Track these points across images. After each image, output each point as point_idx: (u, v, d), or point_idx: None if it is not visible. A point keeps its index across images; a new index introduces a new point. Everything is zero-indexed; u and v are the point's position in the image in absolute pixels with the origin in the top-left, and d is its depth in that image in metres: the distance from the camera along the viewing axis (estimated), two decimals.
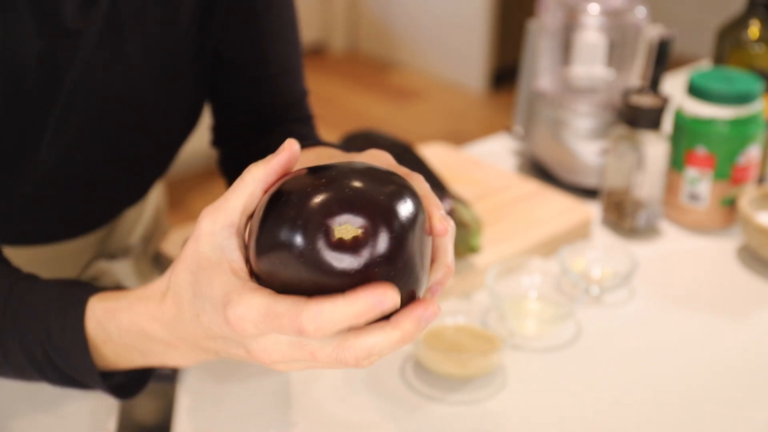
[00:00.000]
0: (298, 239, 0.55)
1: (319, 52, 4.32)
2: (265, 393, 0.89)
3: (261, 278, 0.58)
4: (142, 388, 0.75)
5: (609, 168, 1.17)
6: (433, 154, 1.29)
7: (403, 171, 0.64)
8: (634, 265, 1.05)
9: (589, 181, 1.24)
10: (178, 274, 0.62)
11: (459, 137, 3.35)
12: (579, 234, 1.14)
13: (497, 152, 1.37)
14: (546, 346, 0.97)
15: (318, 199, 0.55)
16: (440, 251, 0.62)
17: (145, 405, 0.86)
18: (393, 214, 0.55)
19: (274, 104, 0.95)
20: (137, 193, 0.99)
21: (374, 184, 0.56)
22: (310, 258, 0.54)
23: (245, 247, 0.60)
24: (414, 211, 0.56)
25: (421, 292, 0.58)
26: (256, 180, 0.60)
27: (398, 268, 0.55)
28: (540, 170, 1.30)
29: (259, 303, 0.56)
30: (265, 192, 0.60)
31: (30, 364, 0.71)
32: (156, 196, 1.12)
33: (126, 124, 0.88)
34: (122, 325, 0.67)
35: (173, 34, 0.86)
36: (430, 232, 0.59)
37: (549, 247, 1.11)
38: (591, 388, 0.92)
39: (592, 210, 1.17)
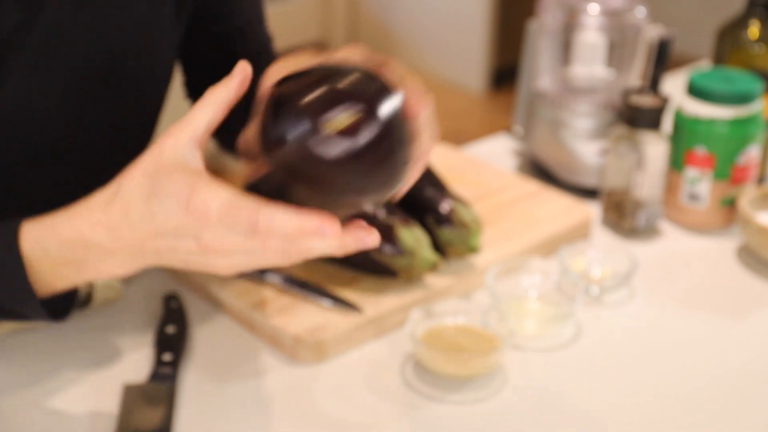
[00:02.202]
0: (299, 131, 0.64)
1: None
2: (265, 393, 0.89)
3: (261, 183, 0.66)
4: (71, 310, 0.78)
5: (609, 168, 1.16)
6: (433, 154, 1.29)
7: (377, 61, 0.72)
8: (634, 265, 1.05)
9: (589, 181, 1.24)
10: (131, 180, 0.68)
11: (459, 137, 3.34)
12: (579, 234, 1.14)
13: (497, 152, 1.37)
14: (546, 346, 0.97)
15: (312, 96, 0.64)
16: (419, 130, 0.70)
17: (144, 406, 0.86)
18: (375, 107, 0.64)
19: (242, 54, 0.97)
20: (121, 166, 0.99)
21: (356, 80, 0.65)
22: (307, 150, 0.63)
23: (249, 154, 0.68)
24: (393, 102, 0.66)
25: (400, 185, 0.69)
26: (219, 100, 0.68)
27: (382, 155, 0.65)
28: (540, 170, 1.30)
29: (225, 194, 0.65)
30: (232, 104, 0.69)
31: None
32: None
33: (108, 86, 0.89)
34: (63, 235, 0.71)
35: None
36: (409, 115, 0.68)
37: (549, 247, 1.11)
38: (591, 388, 0.92)
39: (592, 210, 1.17)
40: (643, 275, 1.08)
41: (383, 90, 0.65)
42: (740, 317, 1.03)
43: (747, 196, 1.12)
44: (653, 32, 1.22)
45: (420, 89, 0.72)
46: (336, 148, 0.63)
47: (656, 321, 1.02)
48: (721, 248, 1.15)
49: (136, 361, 0.92)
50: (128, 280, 1.02)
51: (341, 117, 0.62)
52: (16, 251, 0.72)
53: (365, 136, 0.63)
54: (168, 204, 0.66)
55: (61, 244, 0.71)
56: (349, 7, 4.33)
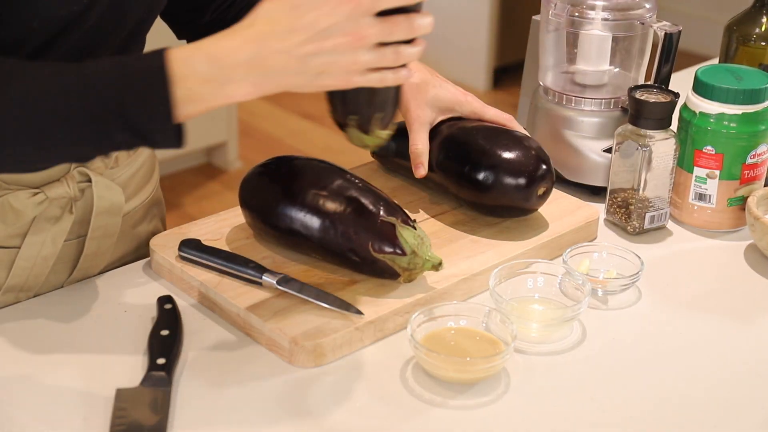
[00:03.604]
0: None
1: None
2: (263, 398, 0.87)
3: None
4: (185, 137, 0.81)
5: (615, 167, 1.15)
6: None
7: None
8: (640, 267, 1.03)
9: (595, 180, 1.22)
10: (269, 2, 0.78)
11: None
12: (584, 234, 1.12)
13: None
14: (550, 350, 0.95)
15: None
16: None
17: (138, 410, 0.84)
18: None
19: None
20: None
21: None
22: None
23: None
24: None
25: None
26: None
27: None
28: None
29: None
30: None
31: (99, 109, 0.78)
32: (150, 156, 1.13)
33: None
34: (211, 53, 0.78)
35: None
36: None
37: (553, 248, 1.09)
38: (596, 393, 0.90)
39: (598, 210, 1.15)
40: (649, 277, 1.06)
41: None
42: (749, 319, 1.02)
43: (756, 195, 1.11)
44: (660, 28, 1.21)
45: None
46: None
47: (663, 324, 1.00)
48: (730, 249, 1.13)
49: (130, 365, 0.90)
50: (125, 288, 1.01)
51: None
52: (164, 72, 0.77)
53: None
54: (316, 2, 0.76)
55: (210, 61, 0.78)
56: None
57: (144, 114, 0.78)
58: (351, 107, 0.89)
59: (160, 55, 0.79)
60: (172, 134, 0.79)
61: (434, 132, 1.13)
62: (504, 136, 1.10)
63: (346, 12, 0.76)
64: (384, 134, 0.91)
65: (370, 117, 0.89)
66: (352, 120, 0.89)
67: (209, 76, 0.78)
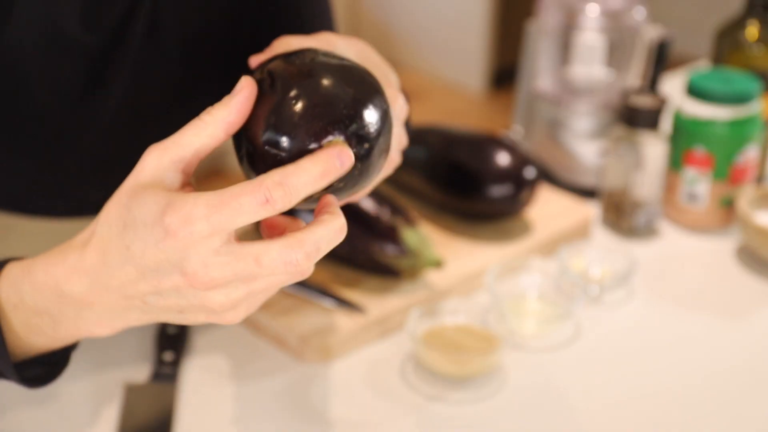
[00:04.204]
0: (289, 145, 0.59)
1: None
2: (265, 393, 0.89)
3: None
4: (52, 381, 0.69)
5: (608, 168, 1.17)
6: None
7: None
8: (633, 265, 1.05)
9: (588, 181, 1.24)
10: (107, 214, 0.58)
11: None
12: (578, 234, 1.14)
13: None
14: (545, 346, 0.97)
15: (305, 119, 0.59)
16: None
17: (146, 405, 0.86)
18: (369, 131, 0.61)
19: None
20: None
21: (355, 90, 0.61)
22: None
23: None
24: (385, 120, 0.62)
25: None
26: (217, 121, 0.58)
27: (365, 169, 0.62)
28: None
29: (207, 195, 0.55)
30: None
31: None
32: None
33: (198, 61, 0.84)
34: (37, 280, 0.62)
35: None
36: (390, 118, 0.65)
37: (548, 247, 1.11)
38: (590, 388, 0.92)
39: (592, 210, 1.17)
40: (642, 275, 1.08)
41: (381, 112, 0.62)
42: (739, 317, 1.04)
43: (746, 196, 1.13)
44: (652, 32, 1.22)
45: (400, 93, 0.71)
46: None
47: (655, 321, 1.02)
48: (720, 248, 1.15)
49: (138, 361, 0.92)
50: None
51: (334, 140, 0.59)
52: None
53: (359, 155, 0.60)
54: (142, 232, 0.55)
55: (35, 290, 0.62)
56: (349, 7, 4.33)
57: None
58: None
59: None
60: (11, 370, 0.65)
61: (418, 141, 1.13)
62: (483, 146, 1.11)
63: (172, 240, 0.55)
64: None
65: None
66: None
67: (38, 309, 0.62)
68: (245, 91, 0.59)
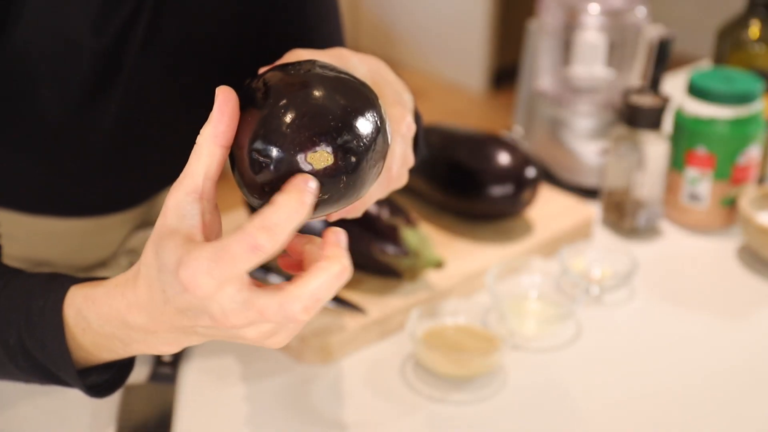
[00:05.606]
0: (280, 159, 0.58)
1: None
2: (265, 393, 0.89)
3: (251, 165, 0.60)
4: (117, 389, 0.72)
5: (609, 168, 1.16)
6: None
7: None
8: (634, 265, 1.05)
9: (590, 181, 1.24)
10: (147, 254, 0.60)
11: None
12: (579, 234, 1.14)
13: None
14: (546, 346, 0.97)
15: (297, 132, 0.58)
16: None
17: (144, 406, 0.86)
18: (357, 144, 0.59)
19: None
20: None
21: (350, 103, 0.60)
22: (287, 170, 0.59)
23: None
24: (377, 134, 0.61)
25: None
26: (207, 138, 0.59)
27: (353, 185, 0.60)
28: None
29: (207, 250, 0.56)
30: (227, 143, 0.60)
31: (1, 349, 0.67)
32: None
33: (202, 71, 0.85)
34: (102, 312, 0.64)
35: None
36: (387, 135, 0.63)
37: (549, 247, 1.11)
38: (591, 388, 0.92)
39: (593, 210, 1.17)
40: (643, 275, 1.08)
41: (376, 126, 0.61)
42: (740, 317, 1.03)
43: (747, 196, 1.13)
44: (653, 32, 1.22)
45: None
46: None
47: (656, 321, 1.02)
48: (722, 248, 1.15)
49: (137, 361, 0.91)
50: None
51: (323, 154, 0.58)
52: (58, 317, 0.66)
53: (345, 168, 0.60)
54: (170, 279, 0.58)
55: (101, 320, 0.64)
56: (349, 7, 4.33)
57: (45, 356, 0.67)
58: None
59: (59, 297, 0.66)
60: (78, 381, 0.68)
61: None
62: (484, 145, 1.11)
63: (190, 294, 0.57)
64: None
65: None
66: None
67: (107, 334, 0.65)
68: (218, 99, 0.59)
